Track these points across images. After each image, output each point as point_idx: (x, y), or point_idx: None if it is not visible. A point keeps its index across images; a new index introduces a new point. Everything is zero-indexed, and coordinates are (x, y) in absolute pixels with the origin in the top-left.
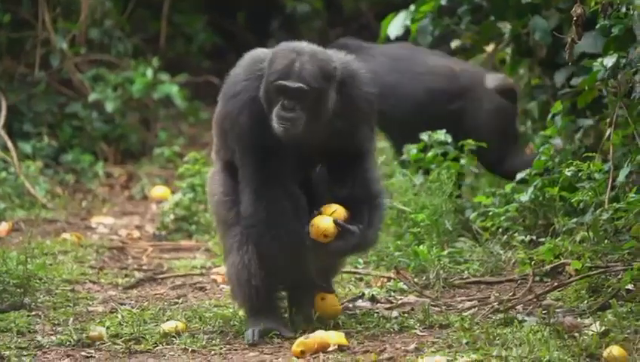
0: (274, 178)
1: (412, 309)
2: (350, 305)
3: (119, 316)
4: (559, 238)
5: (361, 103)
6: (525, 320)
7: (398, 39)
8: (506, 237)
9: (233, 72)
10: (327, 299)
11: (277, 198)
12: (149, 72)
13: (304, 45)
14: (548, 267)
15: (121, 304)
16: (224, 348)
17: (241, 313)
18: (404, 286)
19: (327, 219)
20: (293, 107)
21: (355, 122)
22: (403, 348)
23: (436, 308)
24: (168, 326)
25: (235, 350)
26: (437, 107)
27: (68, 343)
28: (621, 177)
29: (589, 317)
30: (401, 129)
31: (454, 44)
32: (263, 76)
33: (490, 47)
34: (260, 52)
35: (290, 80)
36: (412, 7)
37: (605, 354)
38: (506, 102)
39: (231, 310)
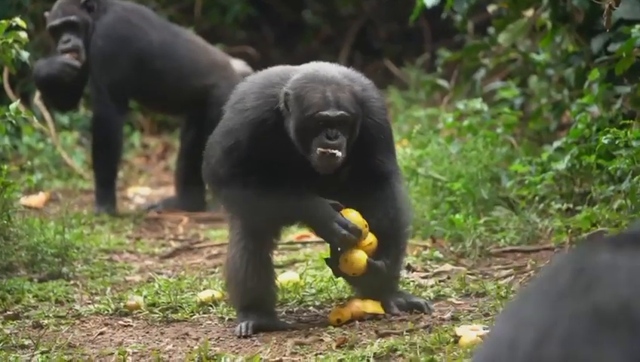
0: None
1: (448, 278)
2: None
3: (156, 285)
4: (596, 206)
5: (376, 128)
6: None
7: (435, 8)
8: (542, 205)
9: (244, 85)
10: (352, 257)
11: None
12: None
13: (319, 70)
14: (585, 235)
15: (158, 273)
16: None
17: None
18: (440, 255)
19: (359, 254)
20: (336, 134)
21: (371, 146)
22: (439, 316)
23: (472, 277)
24: (205, 295)
25: (262, 331)
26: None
27: (106, 312)
28: None
29: None
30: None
31: (491, 8)
32: (275, 102)
33: (529, 13)
34: (273, 75)
35: (330, 110)
36: None
37: None
38: None
39: None
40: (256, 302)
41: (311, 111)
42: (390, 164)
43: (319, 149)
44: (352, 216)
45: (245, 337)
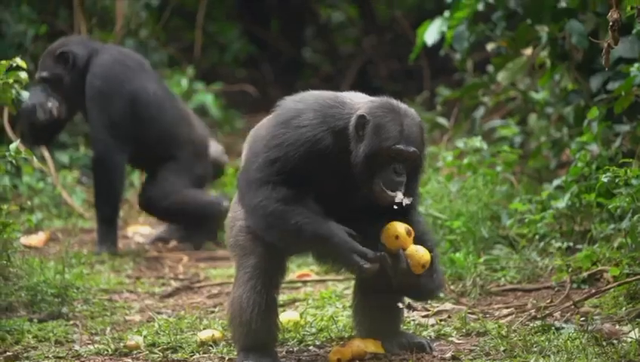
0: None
1: (449, 317)
2: None
3: (156, 325)
4: (597, 245)
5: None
6: (563, 328)
7: (435, 46)
8: (542, 244)
9: (296, 104)
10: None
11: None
12: (185, 81)
13: (395, 102)
14: (585, 274)
15: (158, 313)
16: None
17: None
18: (441, 294)
19: (423, 249)
20: (402, 171)
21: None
22: (440, 355)
23: (473, 316)
24: (205, 334)
25: None
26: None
27: (105, 352)
28: None
29: (627, 324)
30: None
31: (490, 47)
32: (333, 123)
33: (528, 51)
34: (327, 97)
35: (405, 145)
36: (447, 14)
37: None
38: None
39: None
40: (259, 343)
41: (389, 143)
42: (418, 192)
43: (383, 186)
44: (419, 249)
45: None
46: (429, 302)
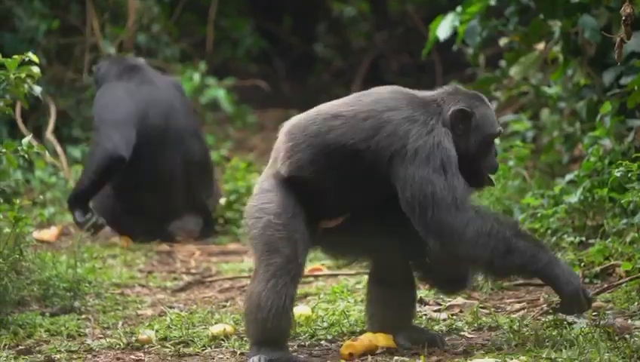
0: None
1: (460, 311)
2: None
3: (168, 319)
4: (609, 240)
5: None
6: (575, 322)
7: (447, 41)
8: (555, 238)
9: (383, 104)
10: None
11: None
12: (197, 77)
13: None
14: (598, 268)
15: (170, 307)
16: None
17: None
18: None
19: None
20: None
21: None
22: (452, 350)
23: (485, 310)
24: (217, 329)
25: None
26: None
27: (117, 346)
28: None
29: (639, 318)
30: None
31: (502, 42)
32: (439, 121)
33: (541, 46)
34: (417, 96)
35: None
36: (459, 9)
37: None
38: None
39: None
40: (272, 339)
41: (496, 127)
42: None
43: (489, 167)
44: None
45: None
46: (439, 296)
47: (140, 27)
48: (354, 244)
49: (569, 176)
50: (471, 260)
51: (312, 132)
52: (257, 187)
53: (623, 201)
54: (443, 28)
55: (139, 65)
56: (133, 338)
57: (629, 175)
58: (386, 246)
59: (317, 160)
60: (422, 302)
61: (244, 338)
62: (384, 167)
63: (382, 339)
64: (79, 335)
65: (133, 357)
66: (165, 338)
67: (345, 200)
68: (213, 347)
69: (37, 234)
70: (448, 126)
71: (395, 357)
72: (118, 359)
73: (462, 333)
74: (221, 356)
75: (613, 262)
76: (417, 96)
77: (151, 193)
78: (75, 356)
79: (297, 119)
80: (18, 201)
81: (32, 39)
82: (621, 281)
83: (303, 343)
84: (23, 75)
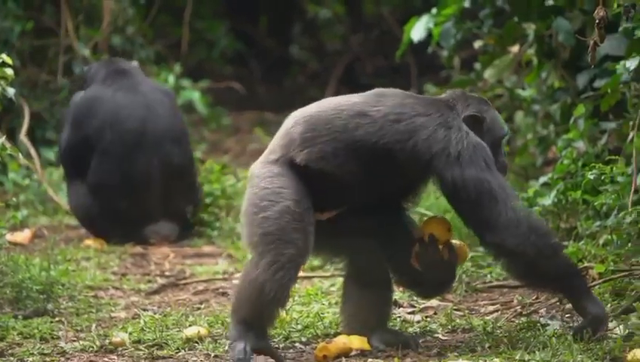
0: None
1: (435, 313)
2: None
3: (142, 322)
4: (582, 242)
5: None
6: (548, 324)
7: (422, 43)
8: None
9: (410, 108)
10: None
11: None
12: (172, 78)
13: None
14: None
15: (144, 310)
16: None
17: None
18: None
19: (460, 242)
20: None
21: None
22: (426, 352)
23: (459, 312)
24: (191, 331)
25: (258, 354)
26: None
27: (91, 349)
28: None
29: (612, 320)
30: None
31: (477, 44)
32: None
33: (515, 48)
34: (429, 100)
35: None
36: (434, 11)
37: (629, 357)
38: None
39: None
40: (261, 326)
41: (504, 129)
42: None
43: (500, 169)
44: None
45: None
46: (414, 298)
47: (115, 29)
48: (335, 241)
49: (543, 179)
50: (519, 254)
51: (338, 126)
52: (264, 170)
53: (596, 204)
54: (417, 30)
55: (127, 69)
56: (107, 341)
57: (603, 177)
58: (367, 246)
59: (342, 154)
60: (396, 304)
61: (218, 341)
62: (419, 169)
63: (356, 342)
64: (52, 338)
65: (106, 359)
66: (139, 341)
67: (350, 195)
68: (187, 349)
69: (10, 237)
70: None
71: (369, 360)
72: None
73: (436, 335)
74: (195, 358)
75: (586, 264)
76: (439, 101)
77: (126, 196)
78: (48, 359)
79: (314, 111)
80: None
81: (5, 41)
82: (594, 283)
83: (277, 345)
84: None
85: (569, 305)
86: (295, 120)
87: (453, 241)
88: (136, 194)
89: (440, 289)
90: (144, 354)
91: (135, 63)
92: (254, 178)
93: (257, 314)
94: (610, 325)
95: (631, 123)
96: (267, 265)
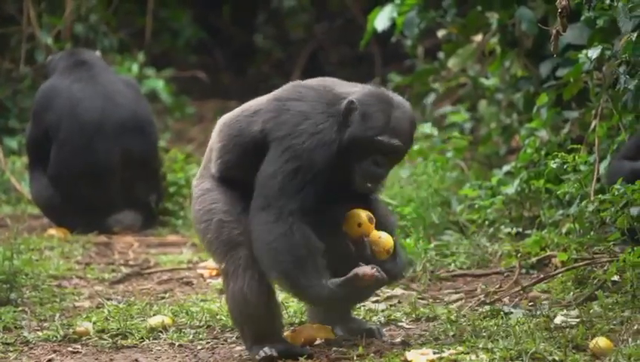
0: (308, 209)
1: (399, 302)
2: None
3: (106, 311)
4: (545, 230)
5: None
6: (511, 312)
7: (386, 32)
8: (492, 229)
9: (300, 106)
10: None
11: (305, 227)
12: (135, 67)
13: (389, 93)
14: (534, 259)
15: (108, 299)
16: (211, 342)
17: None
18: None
19: (386, 235)
20: (385, 163)
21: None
22: (390, 340)
23: (423, 301)
24: (155, 320)
25: (222, 344)
26: None
27: (54, 338)
28: (602, 169)
29: (575, 308)
30: None
31: (441, 33)
32: (337, 120)
33: (478, 38)
34: (322, 89)
35: (389, 137)
36: (397, 0)
37: (591, 345)
38: None
39: (217, 304)
40: (269, 332)
41: (373, 132)
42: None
43: (362, 177)
44: (382, 235)
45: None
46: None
47: (78, 17)
48: None
49: (506, 168)
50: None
51: (235, 130)
52: (197, 189)
53: (559, 193)
54: (381, 19)
55: (88, 60)
56: (71, 331)
57: (565, 166)
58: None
59: (244, 159)
60: None
61: (183, 330)
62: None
63: (321, 331)
64: (15, 327)
65: (70, 349)
66: (103, 331)
67: None
68: (151, 339)
69: None
70: (341, 115)
71: (334, 348)
72: (55, 351)
73: (400, 324)
74: (159, 348)
75: (549, 253)
76: (329, 94)
77: (86, 185)
78: (11, 348)
79: (230, 116)
80: None
81: None
82: (557, 271)
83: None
84: None
85: (532, 294)
86: (215, 129)
87: (375, 233)
88: (98, 183)
89: (389, 281)
90: (108, 343)
91: (97, 53)
92: (193, 198)
93: (257, 322)
94: (573, 313)
95: (593, 112)
96: (234, 275)
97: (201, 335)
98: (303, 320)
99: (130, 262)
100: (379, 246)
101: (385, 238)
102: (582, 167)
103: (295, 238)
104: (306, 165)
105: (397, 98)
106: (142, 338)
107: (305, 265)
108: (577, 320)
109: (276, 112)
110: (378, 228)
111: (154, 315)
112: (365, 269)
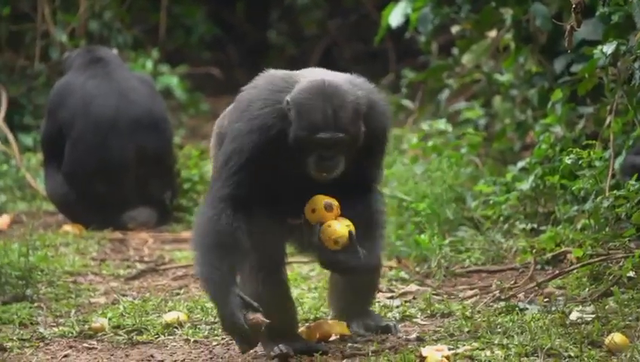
0: (250, 199)
1: (414, 298)
2: None
3: (121, 307)
4: (560, 226)
5: (379, 134)
6: (527, 308)
7: (400, 28)
8: (506, 225)
9: (250, 92)
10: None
11: (238, 217)
12: (149, 64)
13: (325, 81)
14: (549, 255)
15: (123, 295)
16: (226, 338)
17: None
18: (406, 276)
19: (340, 225)
20: (333, 155)
21: (370, 152)
22: (405, 337)
23: (438, 297)
24: (170, 316)
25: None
26: None
27: (70, 335)
28: (617, 165)
29: (590, 304)
30: None
31: (455, 29)
32: (281, 108)
33: (493, 33)
34: (279, 79)
35: (326, 132)
36: None
37: (607, 341)
38: None
39: None
40: (284, 329)
41: (307, 131)
42: (379, 168)
43: (314, 169)
44: (347, 221)
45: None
46: (393, 283)
47: (92, 14)
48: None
49: (521, 164)
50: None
51: (224, 127)
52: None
53: (573, 188)
54: (395, 15)
55: (104, 57)
56: (86, 327)
57: (580, 162)
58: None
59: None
60: None
61: (198, 326)
62: None
63: (336, 327)
64: (31, 323)
65: (85, 345)
66: (118, 327)
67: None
68: (166, 334)
69: None
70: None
71: (349, 344)
72: (70, 347)
73: (415, 320)
74: (174, 343)
75: (564, 249)
76: (279, 83)
77: (101, 182)
78: (27, 344)
79: (222, 118)
80: None
81: None
82: (572, 267)
83: None
84: None
85: (547, 289)
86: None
87: (331, 221)
88: (113, 180)
89: (341, 271)
90: (123, 339)
91: (114, 51)
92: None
93: (271, 319)
94: (588, 309)
95: (608, 107)
96: (246, 277)
97: (216, 331)
98: (317, 316)
99: (145, 259)
100: (325, 235)
101: (336, 228)
102: (597, 163)
103: (219, 224)
104: (238, 149)
105: (333, 85)
106: (157, 334)
107: (213, 254)
108: (593, 316)
109: (235, 101)
110: (355, 220)
111: (169, 311)
112: (257, 316)
